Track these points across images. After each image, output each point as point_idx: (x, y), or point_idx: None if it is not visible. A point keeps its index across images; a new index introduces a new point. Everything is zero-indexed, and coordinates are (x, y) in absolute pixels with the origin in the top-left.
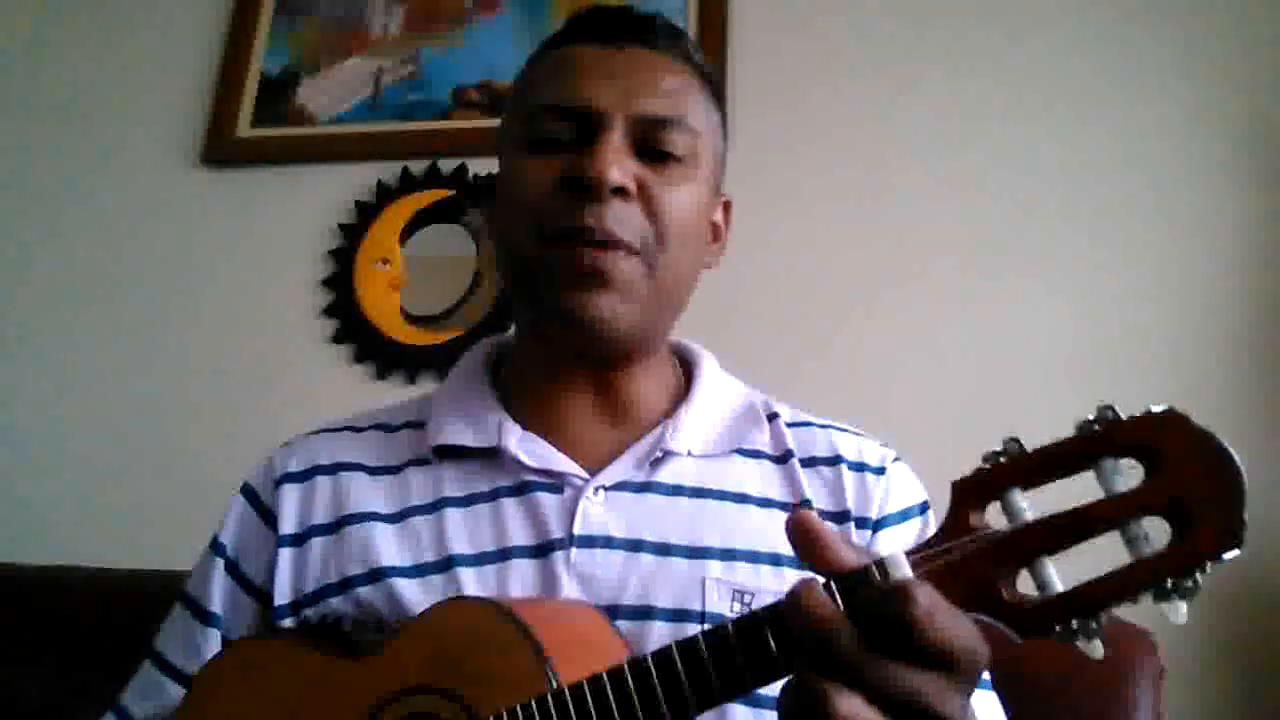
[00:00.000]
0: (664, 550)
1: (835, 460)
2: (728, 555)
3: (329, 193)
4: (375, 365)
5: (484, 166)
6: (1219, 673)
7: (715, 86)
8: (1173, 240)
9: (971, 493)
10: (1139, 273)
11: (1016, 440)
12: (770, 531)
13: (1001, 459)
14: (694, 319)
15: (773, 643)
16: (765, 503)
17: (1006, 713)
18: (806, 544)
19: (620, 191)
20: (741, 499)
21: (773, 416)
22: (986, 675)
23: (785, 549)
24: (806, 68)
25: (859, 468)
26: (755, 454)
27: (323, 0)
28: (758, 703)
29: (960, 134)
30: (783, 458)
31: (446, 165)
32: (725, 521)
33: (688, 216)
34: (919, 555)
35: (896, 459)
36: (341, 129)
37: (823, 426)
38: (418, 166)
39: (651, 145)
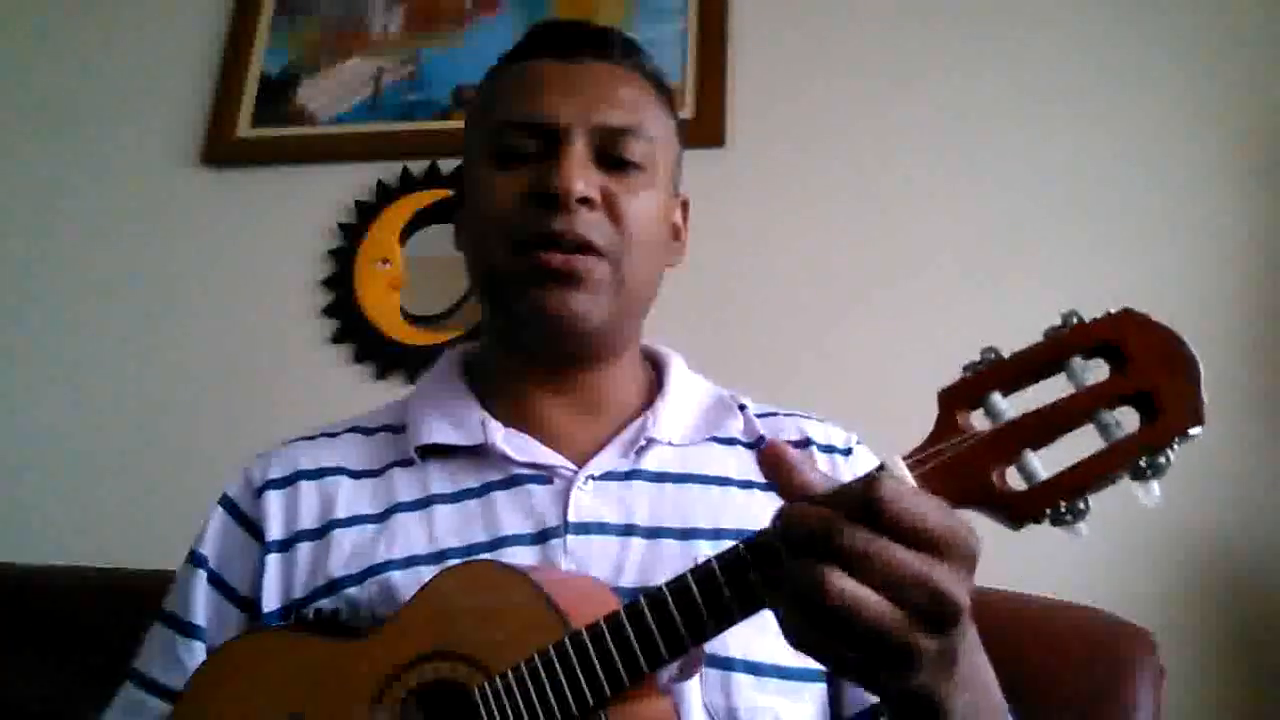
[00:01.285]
0: (655, 534)
1: (806, 443)
2: (716, 535)
3: (329, 193)
4: (375, 365)
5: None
6: (1219, 673)
7: (669, 95)
8: (1172, 239)
9: (956, 399)
10: (1138, 271)
11: (993, 349)
12: (753, 511)
13: (980, 366)
14: (694, 316)
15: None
16: (746, 485)
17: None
18: (782, 471)
19: (586, 201)
20: (723, 482)
21: (742, 407)
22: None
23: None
24: (806, 66)
25: (828, 449)
26: (730, 441)
27: (323, 0)
28: (759, 670)
29: (960, 133)
30: (756, 443)
31: (446, 165)
32: (710, 503)
33: (650, 221)
34: (914, 458)
35: (859, 441)
36: (341, 129)
37: (788, 415)
38: (418, 166)
39: (611, 154)
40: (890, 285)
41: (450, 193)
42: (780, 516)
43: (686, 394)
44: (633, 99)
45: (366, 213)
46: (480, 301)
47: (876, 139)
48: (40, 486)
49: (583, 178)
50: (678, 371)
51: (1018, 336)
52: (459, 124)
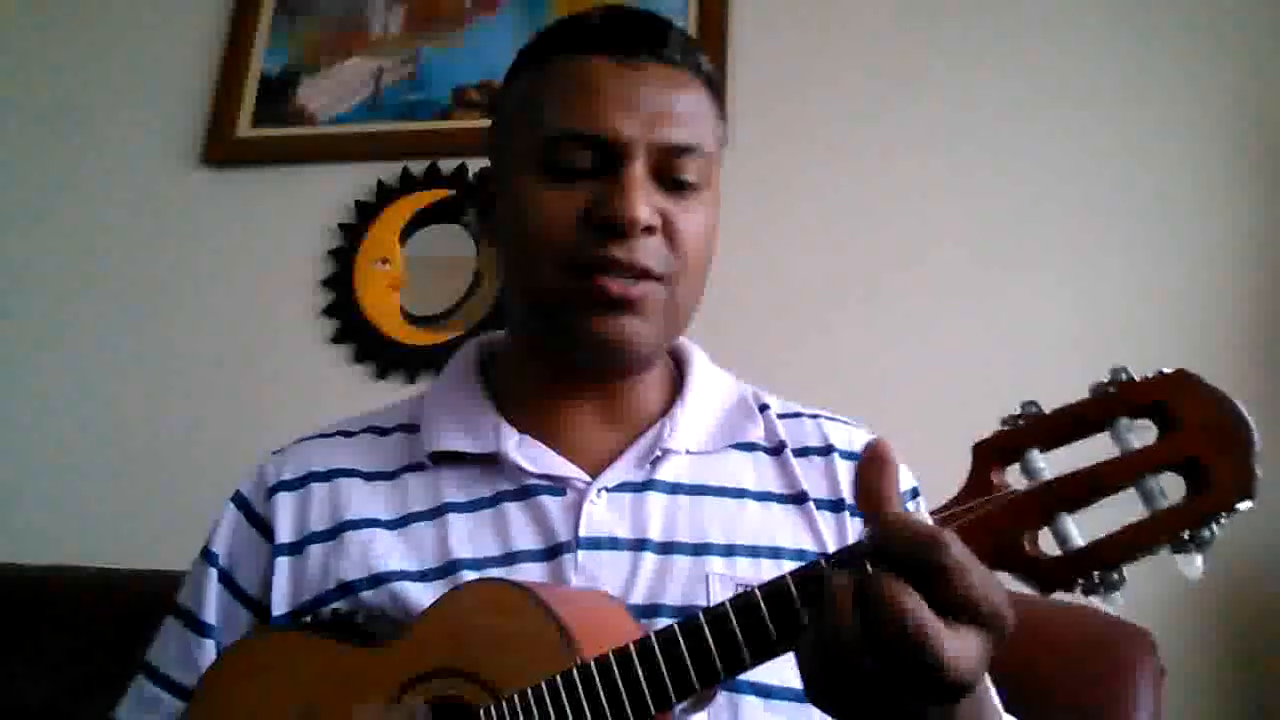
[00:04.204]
0: (667, 549)
1: (828, 450)
2: (729, 551)
3: (329, 193)
4: (375, 365)
5: (484, 166)
6: (1219, 673)
7: (721, 94)
8: (1173, 236)
9: (992, 454)
10: (1139, 269)
11: (1034, 403)
12: (769, 525)
13: (1020, 421)
14: (698, 315)
15: (798, 598)
16: (762, 496)
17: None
18: (881, 480)
19: (648, 229)
20: (739, 494)
21: (763, 408)
22: None
23: (785, 542)
24: (806, 66)
25: (851, 456)
26: (750, 447)
27: (323, 0)
28: (769, 693)
29: (961, 132)
30: (776, 449)
31: (446, 165)
32: (725, 517)
33: (705, 240)
34: (943, 515)
35: None
36: (341, 129)
37: (812, 416)
38: (418, 166)
39: (670, 174)
40: (891, 285)
41: (451, 193)
42: (883, 526)
43: (707, 397)
44: (692, 110)
45: (366, 213)
46: (517, 311)
47: (877, 139)
48: (40, 486)
49: (646, 203)
50: (700, 371)
51: (1017, 337)
52: (459, 124)
